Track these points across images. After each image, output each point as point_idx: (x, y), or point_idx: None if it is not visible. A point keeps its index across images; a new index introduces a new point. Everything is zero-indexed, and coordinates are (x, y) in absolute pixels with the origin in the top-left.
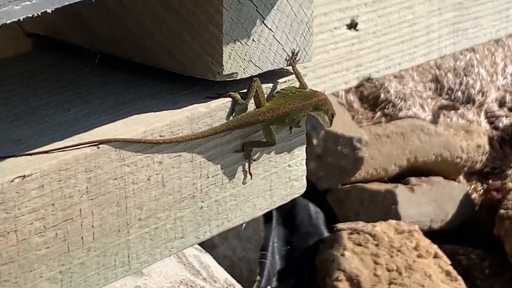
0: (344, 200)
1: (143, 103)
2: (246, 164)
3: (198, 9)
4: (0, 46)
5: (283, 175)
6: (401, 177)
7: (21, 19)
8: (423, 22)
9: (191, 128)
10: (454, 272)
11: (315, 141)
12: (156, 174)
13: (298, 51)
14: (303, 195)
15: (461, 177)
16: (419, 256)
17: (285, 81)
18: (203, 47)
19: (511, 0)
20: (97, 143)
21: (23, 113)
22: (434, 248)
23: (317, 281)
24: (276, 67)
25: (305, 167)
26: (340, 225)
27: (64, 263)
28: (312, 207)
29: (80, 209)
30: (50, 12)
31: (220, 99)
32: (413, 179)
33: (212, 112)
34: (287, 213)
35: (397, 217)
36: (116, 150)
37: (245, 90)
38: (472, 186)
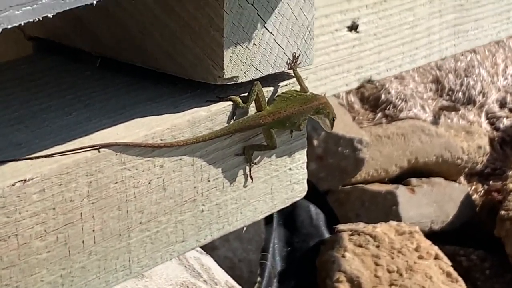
0: (344, 201)
1: (144, 106)
2: (247, 167)
3: (199, 12)
4: (0, 49)
5: (284, 179)
6: (401, 178)
7: (22, 24)
8: (424, 24)
9: (192, 132)
10: (454, 273)
11: (315, 142)
12: (157, 178)
13: (299, 55)
14: (304, 196)
15: (461, 178)
16: (420, 257)
17: (286, 85)
18: (204, 51)
19: None
20: (98, 147)
21: (24, 116)
22: (435, 249)
23: (317, 283)
24: (277, 71)
25: (306, 170)
26: (340, 226)
27: (65, 267)
28: (313, 208)
29: (81, 213)
30: (51, 16)
31: (221, 102)
32: (413, 180)
33: (213, 115)
34: (288, 214)
35: (398, 218)
36: (117, 154)
37: (246, 94)
38: (473, 187)
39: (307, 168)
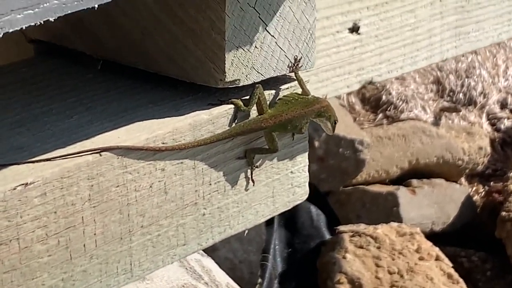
0: (345, 202)
1: (145, 109)
2: (249, 170)
3: (201, 16)
4: (1, 52)
5: (285, 182)
6: (402, 179)
7: (24, 28)
8: (425, 26)
9: (194, 135)
10: (455, 275)
11: (316, 144)
12: (159, 181)
13: (301, 58)
14: None
15: (462, 179)
16: (421, 258)
17: (287, 88)
18: (206, 54)
19: None
20: (99, 150)
21: (25, 120)
22: (436, 250)
23: (318, 284)
24: (278, 74)
25: (307, 173)
26: (341, 228)
27: (66, 271)
28: (314, 209)
29: (82, 217)
30: (53, 20)
31: (223, 106)
32: (414, 181)
33: (215, 119)
34: (289, 216)
35: (399, 219)
36: (118, 158)
37: (247, 97)
38: (474, 188)
39: (308, 169)
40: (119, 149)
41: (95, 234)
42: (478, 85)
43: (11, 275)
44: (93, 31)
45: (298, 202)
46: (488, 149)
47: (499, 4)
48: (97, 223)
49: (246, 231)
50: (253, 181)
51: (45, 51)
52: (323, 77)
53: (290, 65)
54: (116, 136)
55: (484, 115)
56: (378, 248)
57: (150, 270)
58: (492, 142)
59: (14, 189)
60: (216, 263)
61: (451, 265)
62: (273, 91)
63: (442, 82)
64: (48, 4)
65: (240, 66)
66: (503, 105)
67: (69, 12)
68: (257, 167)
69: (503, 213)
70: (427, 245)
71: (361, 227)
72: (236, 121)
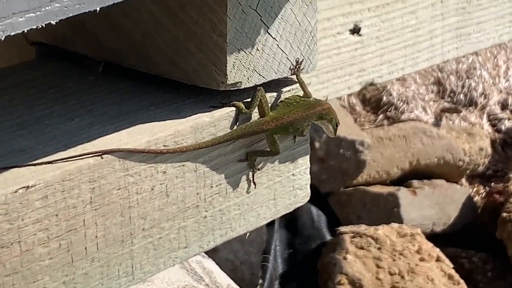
0: (346, 203)
1: (146, 112)
2: (250, 173)
3: (202, 18)
4: (3, 55)
5: (287, 184)
6: (403, 180)
7: (25, 31)
8: (426, 27)
9: (195, 138)
10: (456, 276)
11: (317, 145)
12: (160, 184)
13: (302, 60)
14: None
15: (463, 180)
16: (422, 259)
17: (289, 90)
18: (207, 56)
19: None
20: (100, 153)
21: (27, 122)
22: (437, 251)
23: (319, 285)
24: (280, 76)
25: (309, 176)
26: (342, 229)
27: (67, 274)
28: (314, 210)
29: (84, 220)
30: (54, 23)
31: (224, 108)
32: (415, 182)
33: (216, 121)
34: (289, 217)
35: (399, 220)
36: (119, 160)
37: (249, 100)
38: (475, 189)
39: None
40: (121, 152)
41: (96, 237)
42: (478, 86)
43: (13, 278)
44: (95, 34)
45: (300, 204)
46: (489, 150)
47: (500, 5)
48: (99, 226)
49: (248, 234)
50: (254, 183)
51: (46, 54)
52: (324, 78)
53: (291, 67)
54: (117, 139)
55: (484, 116)
56: (379, 249)
57: (151, 273)
58: (493, 143)
59: (16, 192)
60: (217, 264)
61: (452, 266)
62: (274, 94)
63: (443, 83)
64: (49, 7)
65: (242, 69)
66: (504, 106)
67: (71, 15)
68: (258, 169)
69: (504, 214)
70: (428, 246)
71: (362, 228)
72: (237, 123)
